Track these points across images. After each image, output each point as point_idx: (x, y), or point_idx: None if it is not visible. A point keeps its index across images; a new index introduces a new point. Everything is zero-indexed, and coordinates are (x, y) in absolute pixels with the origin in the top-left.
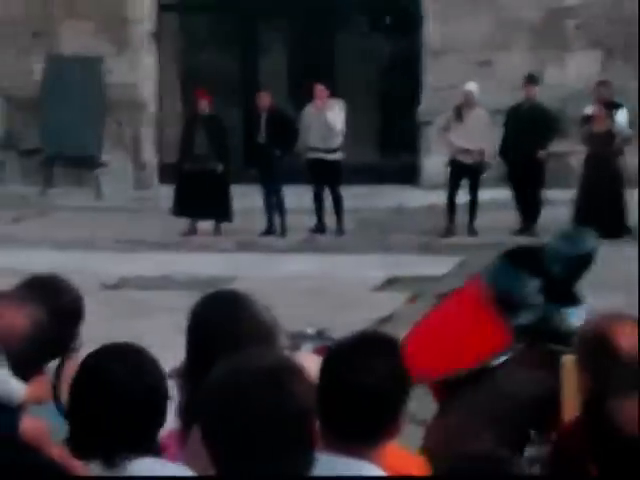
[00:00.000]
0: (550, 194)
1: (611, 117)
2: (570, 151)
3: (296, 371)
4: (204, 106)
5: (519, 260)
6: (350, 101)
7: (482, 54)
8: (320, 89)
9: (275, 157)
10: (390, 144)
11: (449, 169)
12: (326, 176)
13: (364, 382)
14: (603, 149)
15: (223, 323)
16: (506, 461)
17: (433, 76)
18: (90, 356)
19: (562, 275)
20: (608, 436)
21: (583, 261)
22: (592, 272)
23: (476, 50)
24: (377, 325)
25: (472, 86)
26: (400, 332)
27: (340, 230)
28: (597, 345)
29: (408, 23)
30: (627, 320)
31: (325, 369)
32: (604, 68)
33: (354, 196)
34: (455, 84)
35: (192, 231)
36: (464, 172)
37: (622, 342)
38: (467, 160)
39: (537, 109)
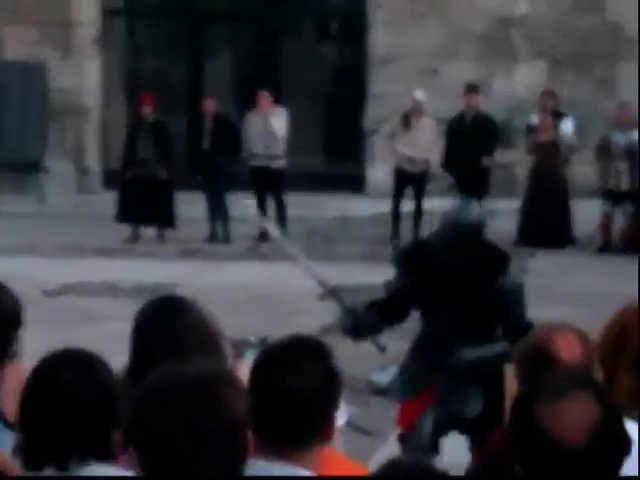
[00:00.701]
0: (495, 204)
1: (556, 127)
2: (516, 161)
3: (230, 380)
4: (148, 111)
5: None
6: (296, 108)
7: (429, 63)
8: (263, 95)
9: (219, 164)
10: (336, 152)
11: (394, 178)
12: (269, 184)
13: (294, 384)
14: (548, 159)
15: (166, 330)
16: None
17: (379, 84)
18: (40, 362)
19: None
20: (535, 440)
21: (468, 231)
22: (541, 284)
23: (423, 59)
24: (321, 334)
25: (421, 94)
26: (344, 341)
27: None
28: (535, 354)
29: (355, 31)
30: (568, 330)
31: (255, 372)
32: (551, 78)
33: (299, 204)
34: (401, 92)
35: (135, 238)
36: (409, 181)
37: (561, 352)
38: (412, 169)
39: (480, 118)
